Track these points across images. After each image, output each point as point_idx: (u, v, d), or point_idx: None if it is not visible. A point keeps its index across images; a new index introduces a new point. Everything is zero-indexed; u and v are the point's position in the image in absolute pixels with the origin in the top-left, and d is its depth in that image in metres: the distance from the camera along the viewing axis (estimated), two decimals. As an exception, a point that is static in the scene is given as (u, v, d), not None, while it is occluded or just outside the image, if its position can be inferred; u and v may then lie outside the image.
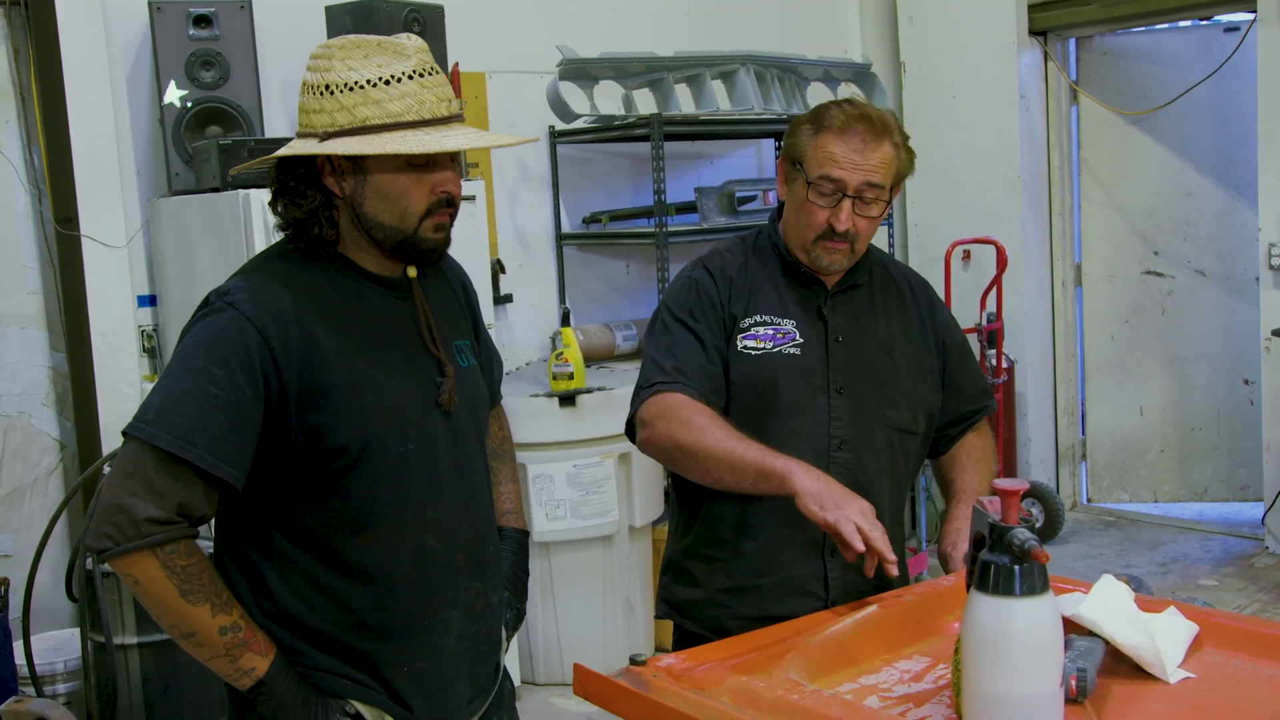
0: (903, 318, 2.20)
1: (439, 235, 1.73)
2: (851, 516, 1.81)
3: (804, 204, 2.05)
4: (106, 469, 3.47)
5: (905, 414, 2.14)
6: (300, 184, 1.69)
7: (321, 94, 1.64)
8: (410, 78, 1.64)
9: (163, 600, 1.61)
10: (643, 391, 2.09)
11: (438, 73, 1.68)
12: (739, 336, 2.12)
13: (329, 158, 1.67)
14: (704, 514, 2.14)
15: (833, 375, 2.10)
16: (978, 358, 2.33)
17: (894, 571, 1.82)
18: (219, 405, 1.60)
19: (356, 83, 1.63)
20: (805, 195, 2.04)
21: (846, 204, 2.01)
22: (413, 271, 1.79)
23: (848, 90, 5.54)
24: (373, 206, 1.69)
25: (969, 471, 2.22)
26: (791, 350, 2.10)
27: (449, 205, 1.72)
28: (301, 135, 1.68)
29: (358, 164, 1.66)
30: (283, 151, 1.67)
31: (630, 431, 2.13)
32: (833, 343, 2.11)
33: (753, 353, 2.10)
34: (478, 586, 1.83)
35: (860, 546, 1.78)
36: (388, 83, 1.63)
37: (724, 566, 2.12)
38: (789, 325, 2.11)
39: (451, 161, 1.72)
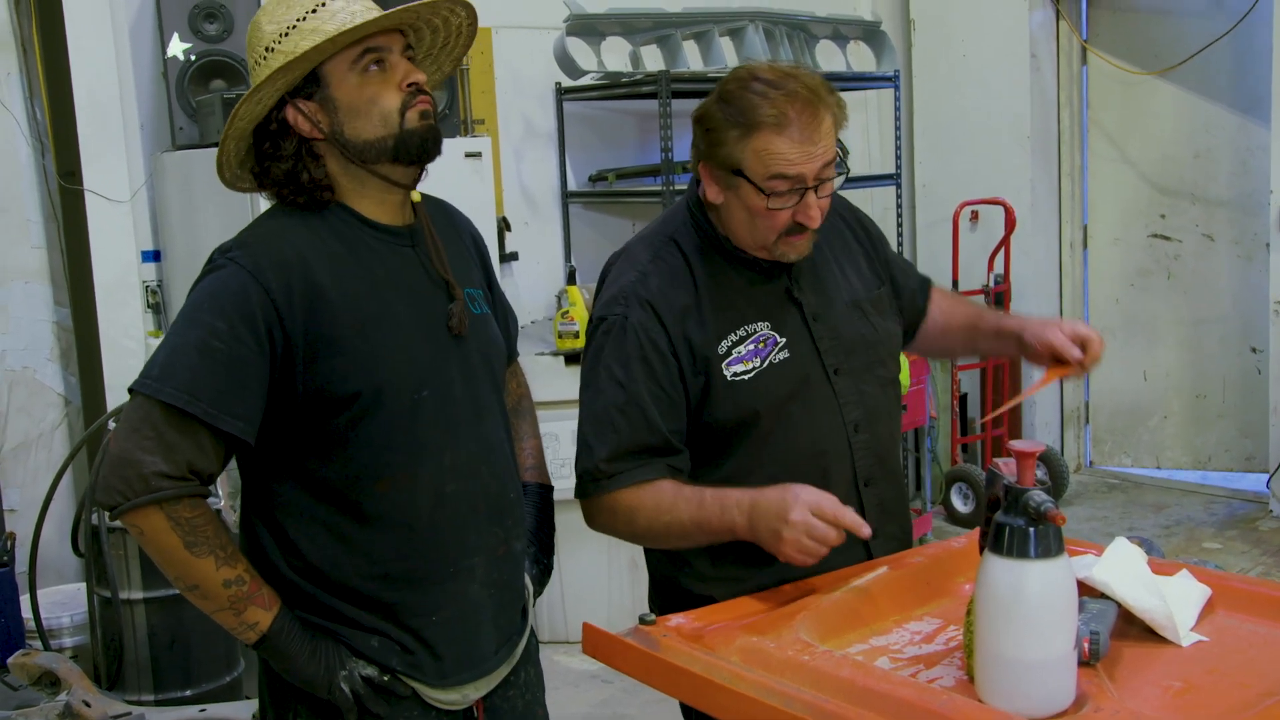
0: (853, 260, 2.05)
1: (426, 122, 1.72)
2: (796, 533, 1.69)
3: (762, 212, 1.83)
4: (111, 424, 3.47)
5: (892, 364, 2.04)
6: (275, 139, 1.69)
7: (265, 57, 1.66)
8: None
9: (167, 552, 1.61)
10: (582, 482, 1.90)
11: None
12: (723, 365, 1.89)
13: (296, 107, 1.67)
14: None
15: (825, 359, 1.95)
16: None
17: (864, 533, 1.70)
18: (222, 359, 1.60)
19: (289, 26, 1.65)
20: (763, 203, 1.81)
21: (811, 197, 1.81)
22: (417, 195, 1.79)
23: (856, 49, 5.48)
24: (354, 128, 1.68)
25: (957, 306, 2.20)
26: (780, 356, 1.92)
27: (421, 93, 1.72)
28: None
29: (320, 96, 1.67)
30: (240, 123, 1.68)
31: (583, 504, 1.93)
32: (812, 324, 1.95)
33: (745, 378, 1.89)
34: (499, 533, 1.82)
35: (809, 560, 1.70)
36: (315, 11, 1.65)
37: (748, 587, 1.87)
38: (765, 329, 1.92)
39: (403, 57, 1.71)
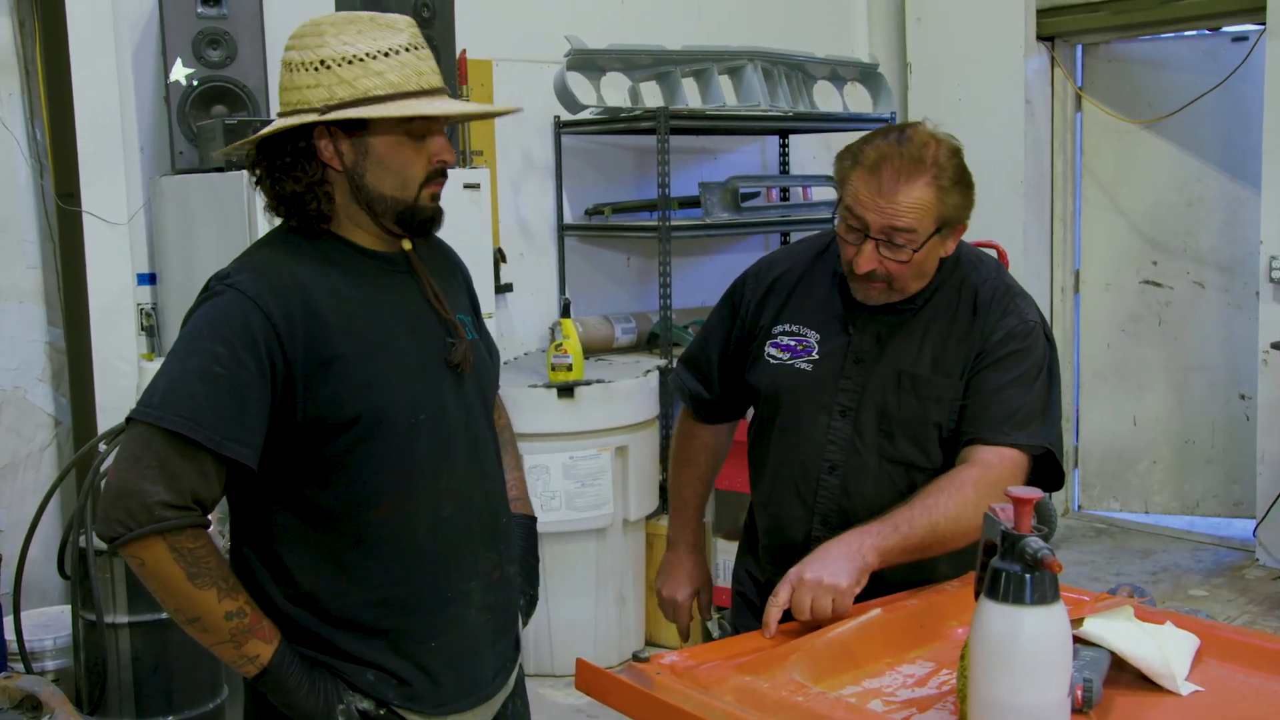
0: (942, 341, 2.01)
1: (434, 204, 1.75)
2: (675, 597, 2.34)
3: (838, 235, 1.99)
4: (102, 446, 3.45)
5: (908, 448, 2.00)
6: (297, 158, 1.68)
7: (315, 70, 1.65)
8: (406, 50, 1.67)
9: (169, 584, 1.59)
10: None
11: (426, 46, 1.71)
12: (767, 343, 2.10)
13: (329, 131, 1.67)
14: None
15: (839, 397, 2.02)
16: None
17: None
18: (225, 386, 1.59)
19: (355, 56, 1.64)
20: (837, 226, 1.97)
21: (868, 246, 1.91)
22: (407, 245, 1.80)
23: (853, 90, 5.53)
24: (374, 178, 1.69)
25: (918, 497, 1.91)
26: (804, 365, 2.05)
27: (443, 174, 1.75)
28: (288, 114, 1.68)
29: (358, 136, 1.67)
30: (284, 123, 1.66)
31: None
32: (849, 363, 2.02)
33: (771, 362, 2.09)
34: (493, 557, 1.83)
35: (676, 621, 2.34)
36: (386, 55, 1.65)
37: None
38: (813, 339, 2.05)
39: (444, 131, 1.75)
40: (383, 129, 1.67)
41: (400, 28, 1.68)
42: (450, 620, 1.76)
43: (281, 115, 1.69)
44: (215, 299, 1.65)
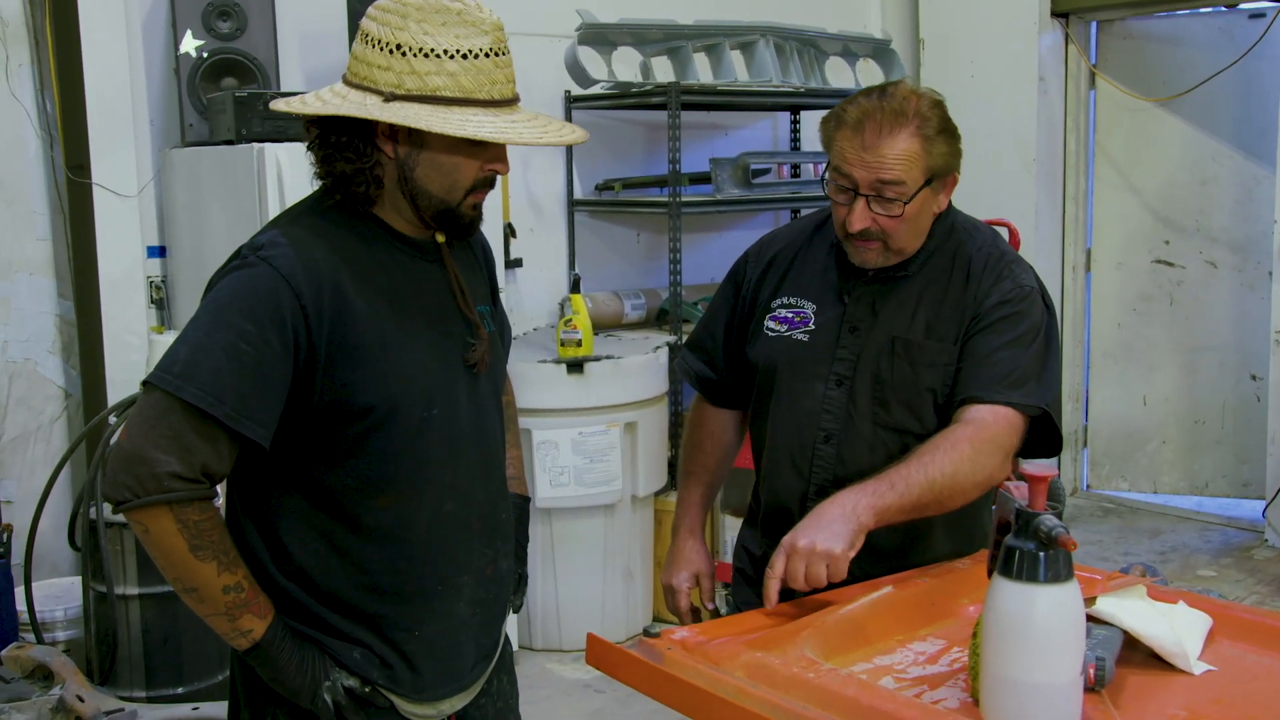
0: (936, 307, 2.00)
1: (475, 212, 1.74)
2: (671, 583, 2.21)
3: (829, 198, 1.99)
4: (112, 419, 3.46)
5: (901, 414, 1.99)
6: (353, 138, 1.65)
7: (390, 52, 1.60)
8: (486, 55, 1.62)
9: (171, 553, 1.59)
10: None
11: (508, 52, 1.66)
12: (766, 317, 2.11)
13: (393, 123, 1.62)
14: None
15: (835, 366, 2.02)
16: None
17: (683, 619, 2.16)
18: (248, 363, 1.57)
19: (432, 50, 1.59)
20: (827, 189, 1.98)
21: (859, 203, 1.91)
22: (441, 236, 1.78)
23: (866, 66, 5.50)
24: (424, 175, 1.67)
25: (913, 455, 1.89)
26: (800, 336, 2.05)
27: (491, 183, 1.72)
28: (354, 85, 1.64)
29: (417, 132, 1.63)
30: (346, 109, 1.62)
31: None
32: (844, 332, 2.02)
33: (770, 335, 2.09)
34: (488, 553, 1.83)
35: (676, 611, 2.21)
36: (465, 56, 1.60)
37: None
38: (810, 310, 2.06)
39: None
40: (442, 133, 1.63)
41: (485, 29, 1.62)
42: (438, 612, 1.77)
43: (347, 84, 1.66)
44: (248, 270, 1.62)
